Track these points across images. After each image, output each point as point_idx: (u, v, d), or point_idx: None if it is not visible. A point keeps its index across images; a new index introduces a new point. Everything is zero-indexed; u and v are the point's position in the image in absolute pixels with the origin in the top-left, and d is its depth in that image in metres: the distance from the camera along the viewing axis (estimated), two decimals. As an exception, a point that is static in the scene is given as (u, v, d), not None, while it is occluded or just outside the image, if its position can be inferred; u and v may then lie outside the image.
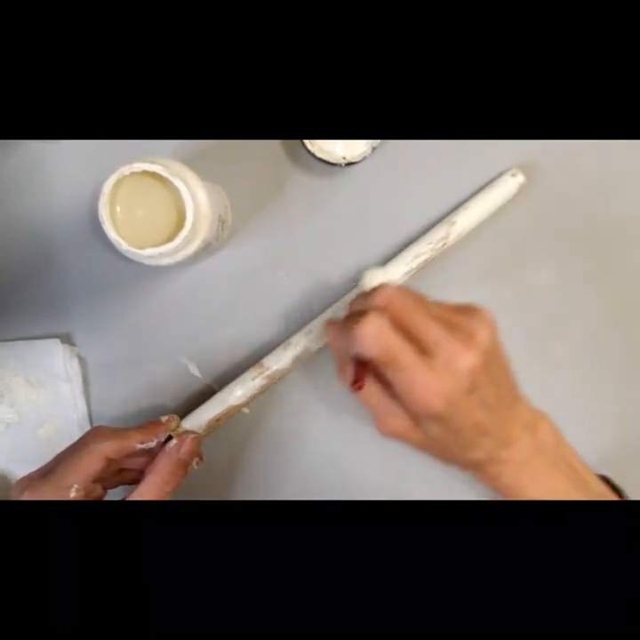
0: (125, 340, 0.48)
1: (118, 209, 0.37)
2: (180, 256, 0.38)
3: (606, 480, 0.38)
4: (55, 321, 0.48)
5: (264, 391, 0.46)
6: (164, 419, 0.43)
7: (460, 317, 0.33)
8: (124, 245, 0.36)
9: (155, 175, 0.36)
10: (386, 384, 0.33)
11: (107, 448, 0.38)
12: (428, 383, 0.30)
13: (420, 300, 0.33)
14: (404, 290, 0.33)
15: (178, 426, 0.43)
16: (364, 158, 0.44)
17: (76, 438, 0.46)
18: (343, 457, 0.48)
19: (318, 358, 0.48)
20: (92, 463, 0.38)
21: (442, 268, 0.48)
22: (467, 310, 0.33)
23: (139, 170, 0.35)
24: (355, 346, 0.31)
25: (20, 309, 0.48)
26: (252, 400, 0.46)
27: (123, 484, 0.43)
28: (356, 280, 0.47)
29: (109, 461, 0.39)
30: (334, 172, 0.48)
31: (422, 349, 0.31)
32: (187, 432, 0.43)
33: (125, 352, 0.48)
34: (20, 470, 0.47)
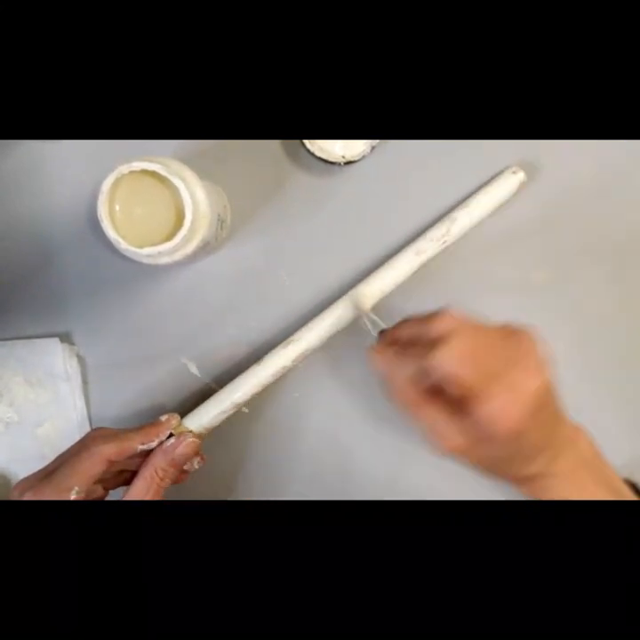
0: (125, 340, 0.48)
1: (117, 208, 0.37)
2: (178, 255, 0.38)
3: (632, 485, 0.39)
4: (54, 320, 0.48)
5: (265, 389, 0.46)
6: (163, 417, 0.43)
7: (519, 342, 0.34)
8: (123, 244, 0.36)
9: (154, 174, 0.36)
10: (451, 403, 0.34)
11: (108, 451, 0.38)
12: (504, 404, 0.32)
13: (479, 326, 0.34)
14: (465, 316, 0.34)
15: (179, 424, 0.43)
16: (364, 157, 0.44)
17: (75, 438, 0.46)
18: (343, 456, 0.48)
19: (317, 356, 0.48)
20: (93, 466, 0.38)
21: (441, 269, 0.48)
22: (515, 332, 0.35)
23: (138, 169, 0.35)
24: (435, 371, 0.32)
25: (20, 309, 0.48)
26: (253, 398, 0.46)
27: (124, 484, 0.43)
28: (351, 285, 0.47)
29: (110, 463, 0.39)
30: (334, 172, 0.48)
31: (491, 374, 0.32)
32: (186, 432, 0.43)
33: (125, 351, 0.48)
34: (19, 470, 0.47)
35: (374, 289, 0.46)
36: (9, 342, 0.47)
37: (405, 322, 0.38)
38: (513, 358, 0.33)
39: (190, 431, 0.43)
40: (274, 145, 0.48)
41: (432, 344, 0.33)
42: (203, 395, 0.48)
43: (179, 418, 0.44)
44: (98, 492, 0.40)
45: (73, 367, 0.47)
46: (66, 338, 0.48)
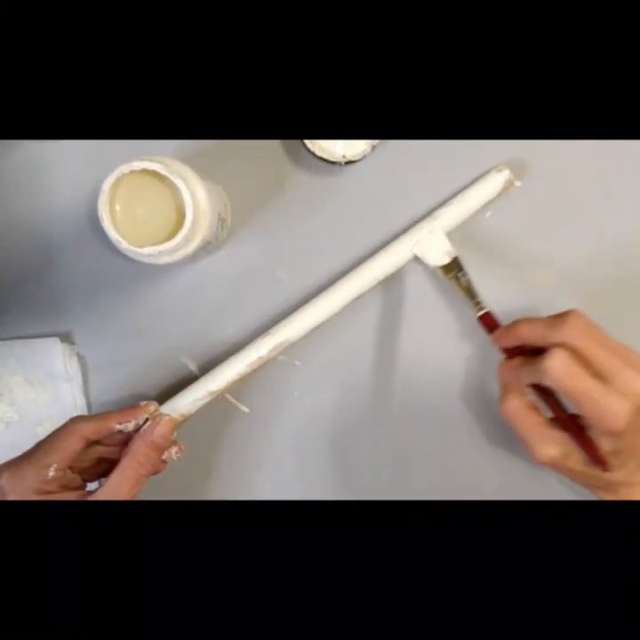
0: (125, 339, 0.48)
1: (118, 208, 0.37)
2: (179, 255, 0.38)
3: None
4: (55, 320, 0.48)
5: (245, 379, 0.46)
6: (142, 403, 0.43)
7: (626, 350, 0.36)
8: (123, 244, 0.36)
9: (154, 174, 0.36)
10: (555, 409, 0.38)
11: (85, 428, 0.39)
12: (613, 403, 0.34)
13: (595, 334, 0.36)
14: (583, 324, 0.36)
15: (156, 410, 0.43)
16: (364, 157, 0.44)
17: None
18: (343, 456, 0.48)
19: (317, 355, 0.48)
20: (71, 443, 0.39)
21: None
22: (628, 349, 0.37)
23: (138, 168, 0.35)
24: (544, 377, 0.35)
25: (20, 308, 0.48)
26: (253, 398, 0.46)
27: (103, 475, 0.43)
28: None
29: (88, 441, 0.39)
30: (334, 171, 0.48)
31: (602, 377, 0.35)
32: (162, 415, 0.43)
33: (125, 351, 0.48)
34: (19, 470, 0.47)
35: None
36: (9, 342, 0.47)
37: (527, 324, 0.38)
38: (624, 359, 0.35)
39: (164, 414, 0.43)
40: (274, 145, 0.48)
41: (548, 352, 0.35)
42: (203, 394, 0.48)
43: (157, 405, 0.44)
44: (76, 482, 0.40)
45: (73, 367, 0.47)
46: (66, 338, 0.48)
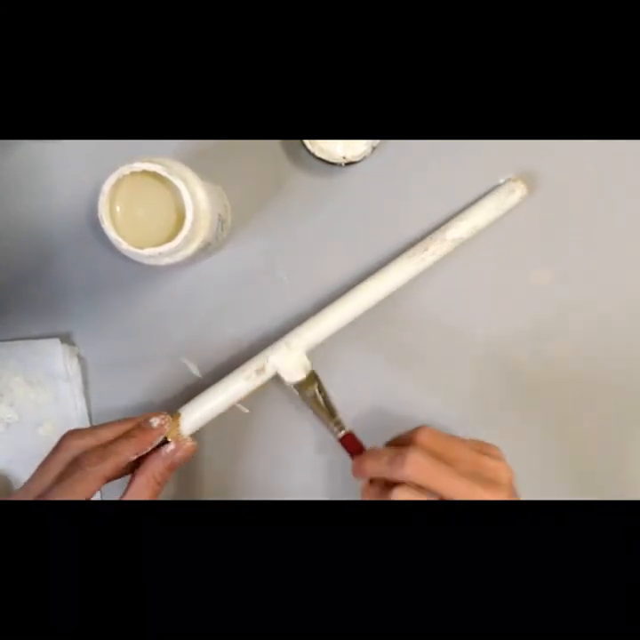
0: (125, 340, 0.48)
1: (118, 208, 0.37)
2: (179, 256, 0.38)
3: None
4: (55, 321, 0.48)
5: (266, 388, 0.46)
6: (154, 421, 0.41)
7: (482, 445, 0.39)
8: (123, 245, 0.36)
9: (154, 175, 0.36)
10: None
11: (104, 470, 0.37)
12: (481, 496, 0.35)
13: (449, 437, 0.39)
14: (435, 432, 0.38)
15: (174, 428, 0.42)
16: (364, 158, 0.44)
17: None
18: (343, 456, 0.48)
19: (318, 356, 0.48)
20: (89, 486, 0.37)
21: (443, 271, 0.48)
22: (483, 443, 0.39)
23: (138, 169, 0.35)
24: (400, 471, 0.36)
25: (20, 309, 0.48)
26: (251, 397, 0.46)
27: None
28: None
29: (106, 480, 0.38)
30: (334, 172, 0.48)
31: (461, 472, 0.36)
32: (184, 439, 0.42)
33: (125, 352, 0.48)
34: (19, 470, 0.47)
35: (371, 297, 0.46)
36: (9, 342, 0.47)
37: (371, 461, 0.40)
38: (487, 458, 0.37)
39: (188, 438, 0.42)
40: (274, 145, 0.48)
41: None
42: (203, 395, 0.48)
43: (169, 418, 0.42)
44: None
45: (73, 367, 0.47)
46: (66, 338, 0.48)
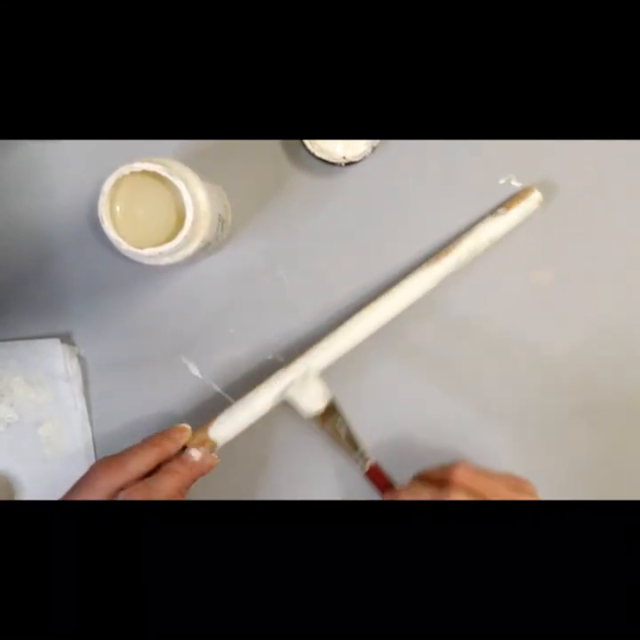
0: (125, 340, 0.48)
1: (118, 209, 0.37)
2: (179, 256, 0.38)
3: None
4: (55, 321, 0.48)
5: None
6: (196, 455, 0.41)
7: (517, 481, 0.38)
8: (123, 245, 0.36)
9: (154, 175, 0.36)
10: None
11: (111, 482, 0.37)
12: None
13: (486, 474, 0.38)
14: (472, 469, 0.38)
15: (210, 446, 0.42)
16: (364, 158, 0.44)
17: (76, 437, 0.46)
18: (343, 456, 0.48)
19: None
20: (94, 496, 0.37)
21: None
22: (518, 478, 0.39)
23: (138, 169, 0.35)
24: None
25: (20, 309, 0.48)
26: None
27: None
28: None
29: (116, 492, 0.38)
30: (334, 172, 0.48)
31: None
32: (213, 456, 0.42)
33: (125, 352, 0.48)
34: (19, 470, 0.47)
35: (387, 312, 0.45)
36: (9, 343, 0.47)
37: (420, 486, 0.38)
38: (513, 487, 0.37)
39: (214, 455, 0.42)
40: (274, 145, 0.48)
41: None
42: (203, 395, 0.48)
43: (207, 450, 0.42)
44: None
45: (73, 367, 0.47)
46: (66, 338, 0.48)
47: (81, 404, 0.48)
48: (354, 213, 0.48)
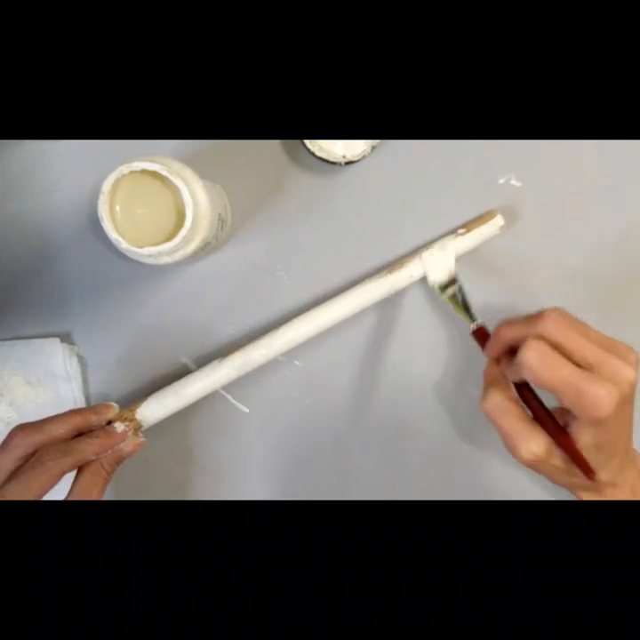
0: (125, 340, 0.48)
1: (118, 208, 0.37)
2: (179, 255, 0.38)
3: None
4: (55, 320, 0.48)
5: (266, 389, 0.46)
6: (118, 427, 0.42)
7: (611, 341, 0.35)
8: (123, 244, 0.36)
9: (154, 174, 0.36)
10: (532, 404, 0.37)
11: (64, 466, 0.37)
12: (597, 388, 0.32)
13: (575, 325, 0.35)
14: (561, 317, 0.35)
15: (135, 432, 0.43)
16: (364, 157, 0.44)
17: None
18: (343, 456, 0.48)
19: (317, 356, 0.48)
20: (49, 481, 0.37)
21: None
22: (611, 339, 0.36)
23: (138, 169, 0.35)
24: (522, 371, 0.34)
25: (20, 309, 0.48)
26: (254, 398, 0.45)
27: None
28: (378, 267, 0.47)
29: (64, 474, 0.38)
30: (334, 171, 0.48)
31: (584, 367, 0.33)
32: (138, 436, 0.42)
33: (125, 351, 0.48)
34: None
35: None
36: (9, 342, 0.47)
37: (506, 325, 0.37)
38: (612, 353, 0.34)
39: (140, 435, 0.43)
40: (274, 145, 0.48)
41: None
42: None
43: (131, 425, 0.43)
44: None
45: (73, 367, 0.47)
46: (66, 338, 0.48)
47: (81, 403, 0.48)
48: (354, 213, 0.48)
